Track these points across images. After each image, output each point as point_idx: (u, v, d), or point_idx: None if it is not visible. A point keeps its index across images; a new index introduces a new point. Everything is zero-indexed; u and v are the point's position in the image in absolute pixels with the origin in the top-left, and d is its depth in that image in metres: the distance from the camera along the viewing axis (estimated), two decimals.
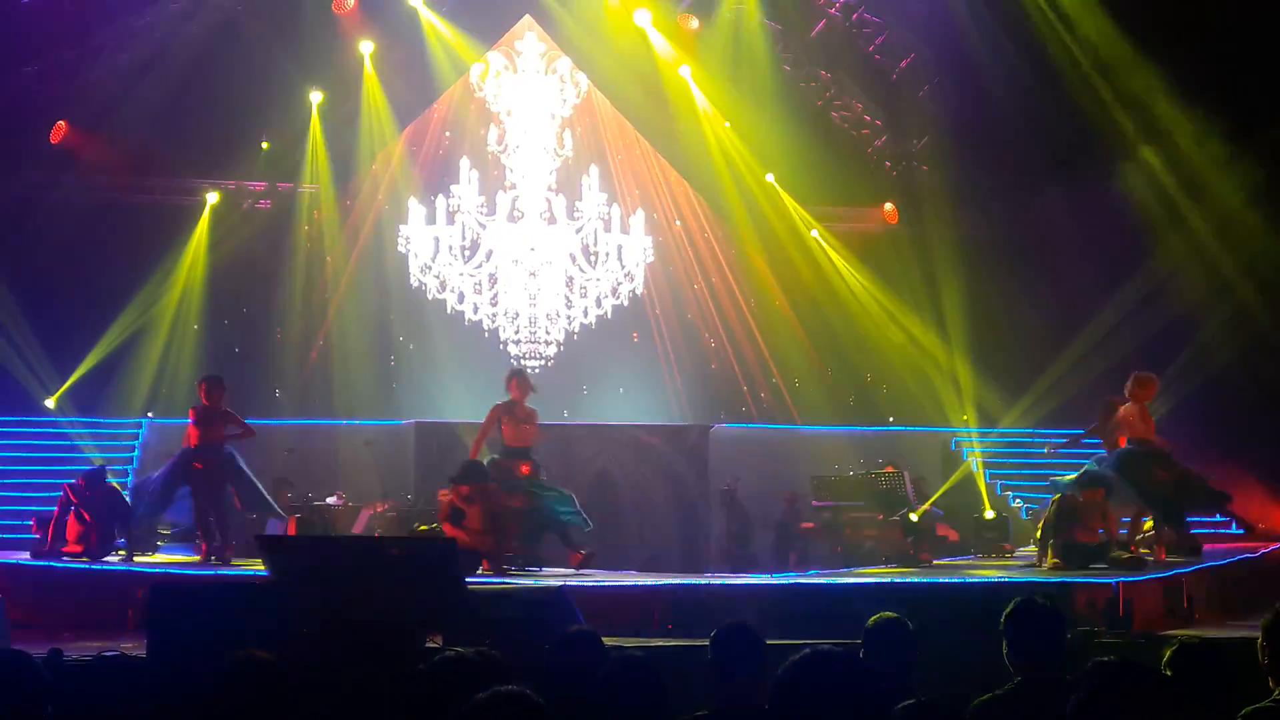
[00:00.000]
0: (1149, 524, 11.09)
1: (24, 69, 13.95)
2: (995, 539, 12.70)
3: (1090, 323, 14.71)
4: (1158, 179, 14.55)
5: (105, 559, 10.50)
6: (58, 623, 8.47)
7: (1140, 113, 14.50)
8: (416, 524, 11.95)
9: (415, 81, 15.79)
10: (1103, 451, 11.15)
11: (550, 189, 15.97)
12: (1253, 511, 13.64)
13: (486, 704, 2.72)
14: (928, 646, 4.33)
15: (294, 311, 15.82)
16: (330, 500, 13.30)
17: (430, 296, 15.54)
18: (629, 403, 16.00)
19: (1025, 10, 14.66)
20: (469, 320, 15.67)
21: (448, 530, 9.67)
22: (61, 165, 14.64)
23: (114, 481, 11.87)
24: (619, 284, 15.71)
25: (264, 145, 15.53)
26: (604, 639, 7.61)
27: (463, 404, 15.40)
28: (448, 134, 16.54)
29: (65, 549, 10.41)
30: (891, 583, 9.48)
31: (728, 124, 16.56)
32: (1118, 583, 9.05)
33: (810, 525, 14.03)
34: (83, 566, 10.03)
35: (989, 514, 13.21)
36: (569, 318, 15.85)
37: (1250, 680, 3.87)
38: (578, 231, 15.71)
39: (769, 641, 4.10)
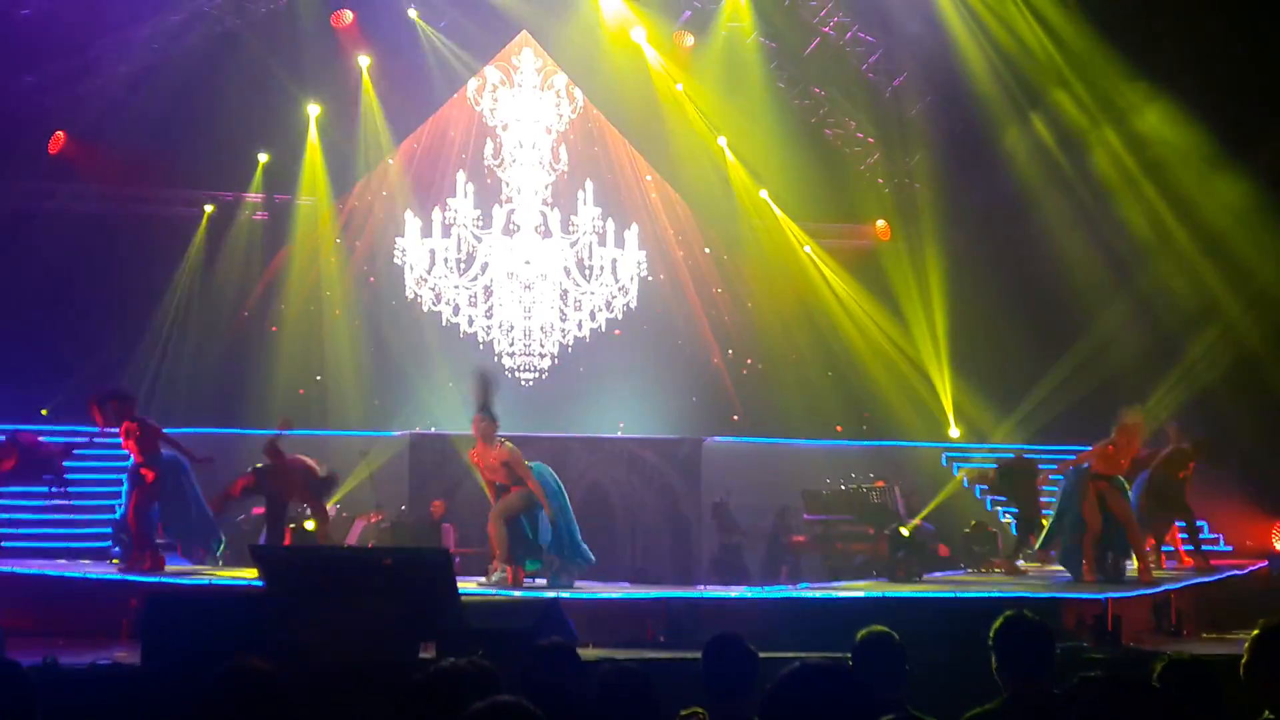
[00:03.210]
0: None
1: (23, 79, 13.98)
2: (985, 553, 12.76)
3: (1080, 339, 14.81)
4: (1146, 197, 14.66)
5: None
6: (52, 631, 8.49)
7: (1130, 131, 14.62)
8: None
9: (412, 95, 15.88)
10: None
11: (545, 203, 16.04)
12: (1239, 530, 13.75)
13: (484, 714, 2.75)
14: (917, 661, 4.37)
15: (290, 323, 15.86)
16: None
17: (426, 309, 15.58)
18: (621, 415, 16.03)
19: (1014, 28, 14.79)
20: (464, 333, 15.71)
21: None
22: (59, 175, 14.69)
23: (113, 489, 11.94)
24: (613, 297, 15.76)
25: (261, 157, 15.59)
26: (596, 650, 7.70)
27: (457, 416, 15.44)
28: (444, 147, 16.61)
29: None
30: (881, 596, 9.53)
31: (722, 140, 16.66)
32: (1106, 599, 9.13)
33: (801, 538, 14.08)
34: (78, 575, 10.04)
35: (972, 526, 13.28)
36: (563, 331, 15.90)
37: (1239, 698, 3.91)
38: (572, 245, 15.77)
39: (760, 654, 4.15)
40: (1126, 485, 10.85)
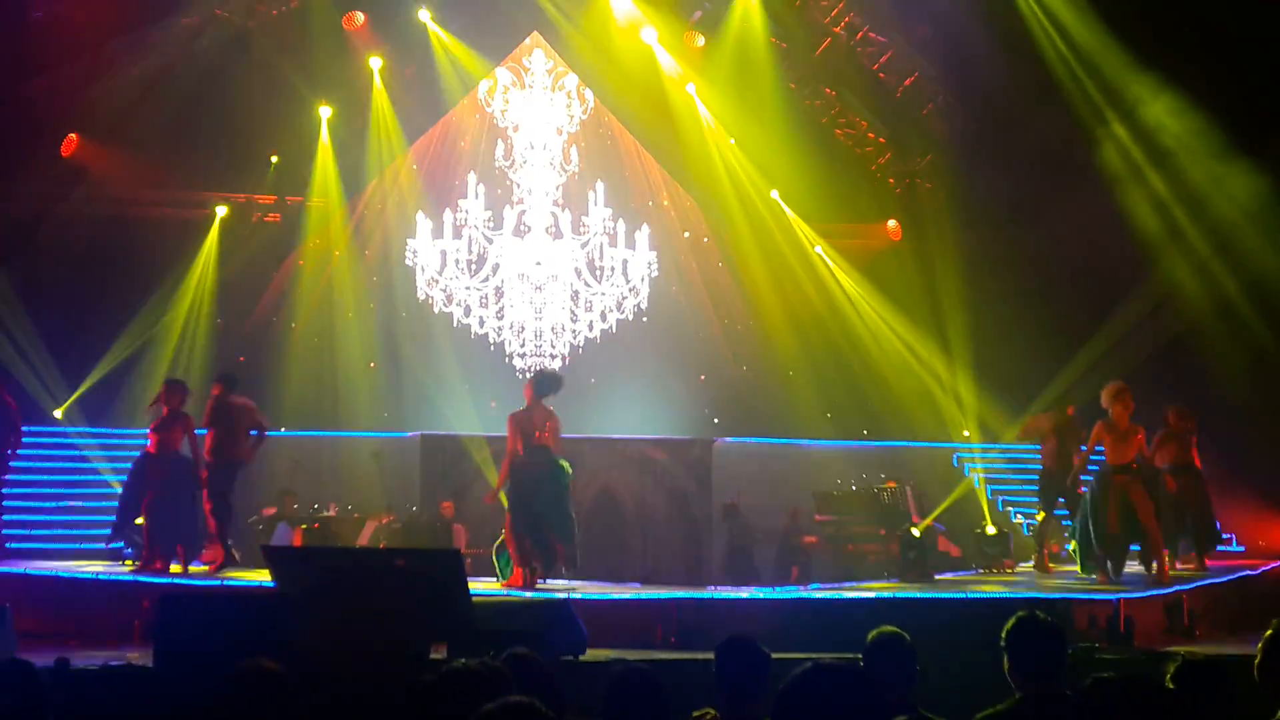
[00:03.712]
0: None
1: (35, 82, 14.03)
2: (997, 554, 12.72)
3: (1092, 339, 14.77)
4: (1159, 195, 14.62)
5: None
6: (66, 632, 8.53)
7: (1141, 129, 14.57)
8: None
9: (424, 97, 15.89)
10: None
11: (556, 204, 16.05)
12: (1251, 529, 13.69)
13: (496, 715, 2.76)
14: (929, 662, 4.36)
15: (301, 324, 15.92)
16: (333, 511, 13.38)
17: (437, 310, 15.60)
18: (633, 416, 16.05)
19: (1026, 26, 14.76)
20: (475, 334, 15.74)
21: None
22: (72, 178, 14.73)
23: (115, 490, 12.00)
24: (624, 298, 15.77)
25: (273, 159, 15.64)
26: (607, 650, 7.70)
27: (468, 416, 15.49)
28: (456, 149, 16.65)
29: None
30: (893, 597, 9.52)
31: (733, 141, 16.65)
32: (1118, 599, 9.10)
33: (812, 539, 14.08)
34: (90, 576, 10.09)
35: (990, 529, 13.25)
36: (574, 331, 15.91)
37: (1254, 698, 3.90)
38: (583, 246, 15.78)
39: (771, 655, 4.14)
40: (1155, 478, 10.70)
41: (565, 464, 9.90)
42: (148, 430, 10.80)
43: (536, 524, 9.69)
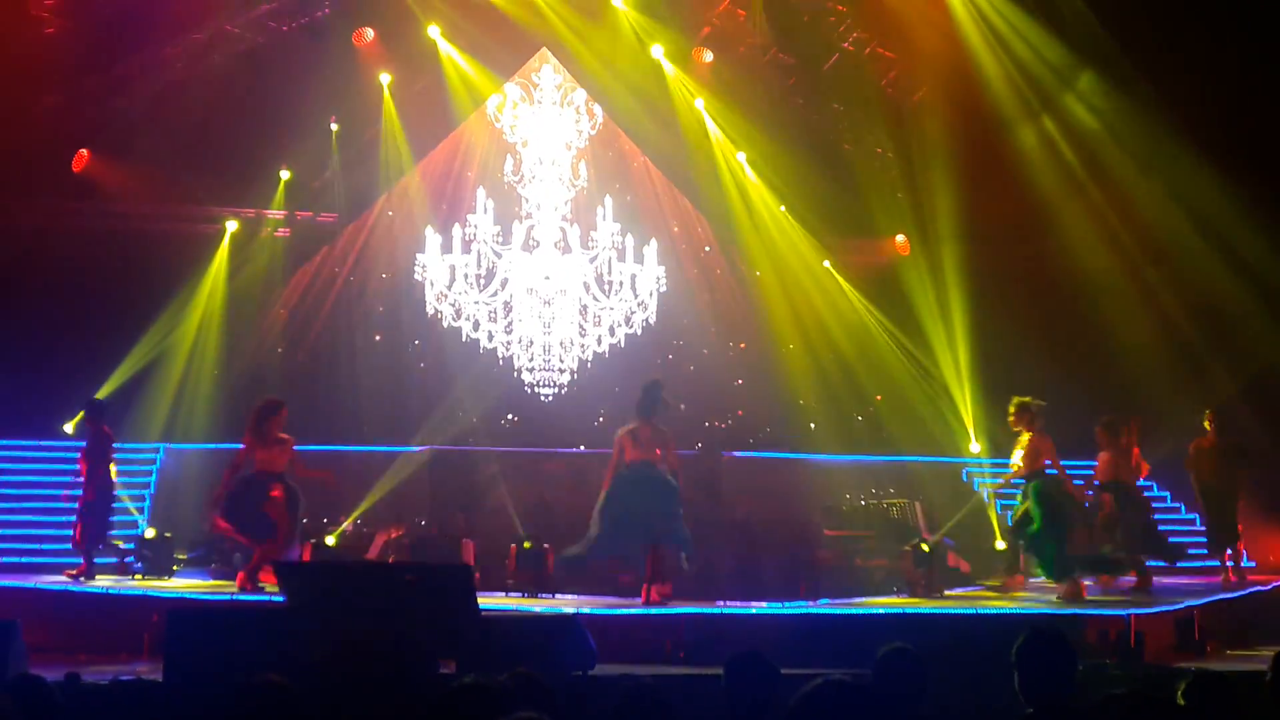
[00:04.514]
0: None
1: (47, 97, 14.13)
2: (1008, 569, 12.67)
3: (1101, 352, 14.75)
4: (1166, 208, 14.61)
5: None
6: (75, 646, 8.55)
7: (1144, 143, 14.58)
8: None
9: (433, 112, 15.95)
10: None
11: (565, 218, 16.07)
12: (1262, 544, 13.64)
13: None
14: (939, 677, 4.35)
15: (311, 337, 15.95)
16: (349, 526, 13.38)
17: (446, 324, 15.63)
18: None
19: (1030, 40, 14.79)
20: (484, 348, 15.75)
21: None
22: (83, 193, 14.81)
23: (131, 505, 12.06)
24: (632, 313, 15.78)
25: (284, 174, 15.71)
26: (616, 666, 7.69)
27: (477, 430, 15.48)
28: (465, 164, 16.70)
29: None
30: (902, 613, 9.50)
31: (741, 156, 16.69)
32: (1129, 615, 9.08)
33: (822, 554, 14.02)
34: (100, 590, 10.11)
35: (1000, 545, 13.22)
36: (583, 346, 15.91)
37: (1265, 715, 3.89)
38: (592, 260, 15.79)
39: (781, 671, 4.14)
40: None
41: (672, 479, 10.17)
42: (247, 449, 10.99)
43: (639, 535, 9.89)
